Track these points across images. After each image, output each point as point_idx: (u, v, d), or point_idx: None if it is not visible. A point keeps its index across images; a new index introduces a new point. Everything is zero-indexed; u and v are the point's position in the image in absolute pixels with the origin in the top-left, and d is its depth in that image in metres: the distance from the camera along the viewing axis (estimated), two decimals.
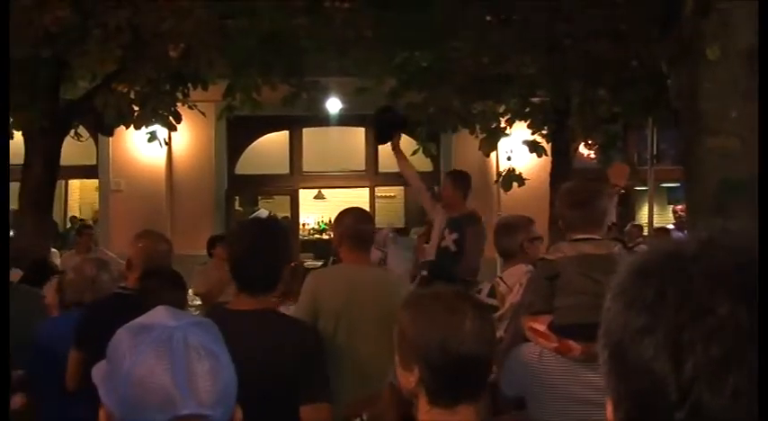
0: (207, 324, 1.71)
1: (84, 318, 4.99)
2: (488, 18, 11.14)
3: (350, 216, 5.20)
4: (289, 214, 17.72)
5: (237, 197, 18.24)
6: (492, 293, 5.26)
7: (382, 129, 8.22)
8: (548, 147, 12.79)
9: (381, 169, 17.60)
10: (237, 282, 3.65)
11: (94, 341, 4.82)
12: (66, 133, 11.09)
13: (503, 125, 12.58)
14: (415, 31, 10.76)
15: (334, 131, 17.03)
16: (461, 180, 8.02)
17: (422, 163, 15.64)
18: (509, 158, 13.29)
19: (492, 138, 12.41)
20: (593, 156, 14.70)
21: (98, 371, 1.72)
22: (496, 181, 13.78)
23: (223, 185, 17.29)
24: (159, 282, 4.71)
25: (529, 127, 12.77)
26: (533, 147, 12.62)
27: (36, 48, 9.06)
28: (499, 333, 4.37)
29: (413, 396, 2.32)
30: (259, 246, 3.63)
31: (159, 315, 1.69)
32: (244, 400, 1.74)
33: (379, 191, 18.32)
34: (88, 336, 4.85)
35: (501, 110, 12.56)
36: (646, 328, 0.99)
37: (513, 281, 5.04)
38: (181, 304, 4.57)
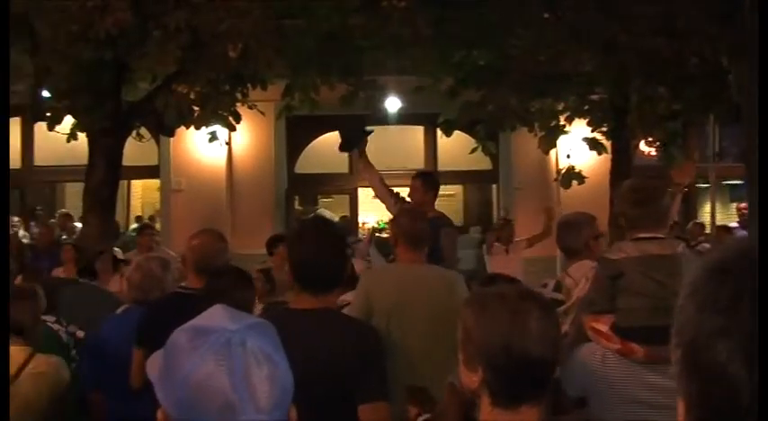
0: (265, 326, 1.69)
1: (146, 317, 5.03)
2: (546, 15, 11.04)
3: (405, 215, 5.20)
4: (348, 213, 17.74)
5: (297, 196, 18.30)
6: (558, 288, 5.19)
7: (349, 136, 8.17)
8: (608, 144, 12.63)
9: (440, 167, 17.54)
10: (298, 282, 3.64)
11: (156, 339, 4.87)
12: (128, 134, 11.21)
13: (562, 123, 12.46)
14: (472, 29, 10.71)
15: (393, 130, 16.98)
16: (431, 181, 7.97)
17: (481, 161, 15.58)
18: (568, 156, 13.16)
19: (551, 135, 12.31)
20: (653, 153, 14.50)
21: (153, 369, 1.70)
22: (556, 179, 13.65)
23: (283, 185, 17.35)
24: (228, 281, 4.71)
25: (588, 124, 12.63)
26: (593, 144, 12.48)
27: (98, 50, 9.17)
28: (565, 327, 4.32)
29: (475, 396, 2.28)
30: (321, 245, 3.62)
31: (218, 316, 1.68)
32: (303, 400, 1.72)
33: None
34: (150, 335, 4.88)
35: (560, 107, 12.44)
36: (720, 331, 0.94)
37: (579, 275, 4.96)
38: (249, 304, 4.57)
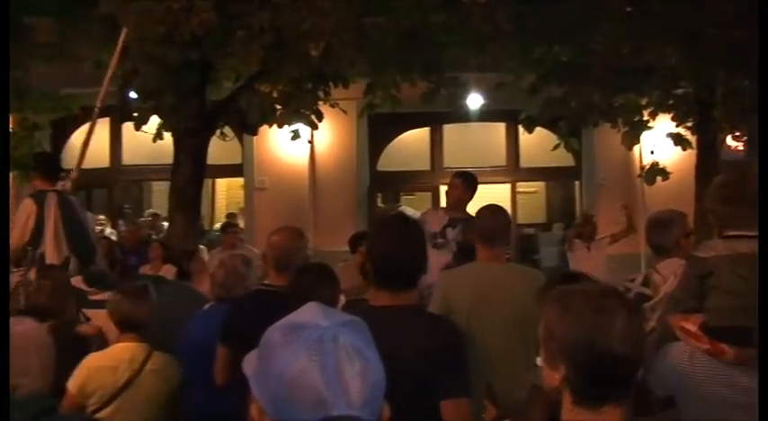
0: (357, 323, 1.71)
1: (230, 314, 5.08)
2: (628, 9, 10.87)
3: (484, 213, 5.15)
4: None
5: (379, 194, 18.31)
6: (646, 283, 5.10)
7: None
8: (693, 139, 12.39)
9: (523, 164, 17.41)
10: (378, 279, 3.63)
11: (240, 336, 4.92)
12: (213, 133, 11.35)
13: (645, 118, 12.26)
14: (553, 24, 10.59)
15: (475, 127, 16.90)
16: (472, 182, 7.99)
17: (564, 158, 15.40)
18: (652, 152, 12.94)
19: (634, 131, 12.11)
20: (741, 148, 14.17)
21: (249, 366, 1.73)
22: (640, 175, 13.44)
23: (365, 182, 17.38)
24: (313, 278, 4.72)
25: (673, 119, 12.40)
26: (678, 139, 12.26)
27: (184, 51, 9.29)
28: (651, 323, 4.24)
29: (557, 394, 2.24)
30: (400, 242, 3.61)
31: (311, 313, 1.70)
32: (385, 397, 1.72)
33: (521, 186, 18.10)
34: (234, 332, 4.93)
35: (643, 102, 12.23)
36: None
37: (668, 272, 4.86)
38: (334, 301, 4.58)
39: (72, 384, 4.84)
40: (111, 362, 4.97)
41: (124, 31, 8.83)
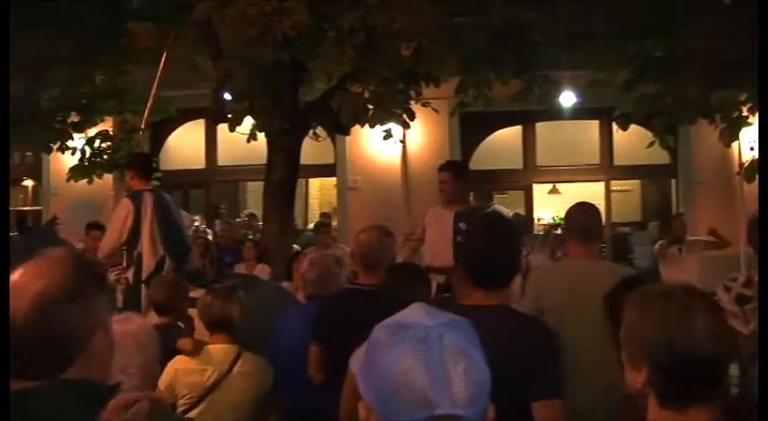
0: (462, 324, 1.74)
1: (321, 313, 5.12)
2: (726, 1, 10.62)
3: (576, 210, 5.09)
4: (523, 209, 17.57)
5: (471, 193, 18.25)
6: (748, 283, 4.98)
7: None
8: None
9: (617, 162, 17.16)
10: (471, 278, 3.62)
11: (331, 335, 4.96)
12: (306, 134, 11.45)
13: (744, 114, 11.95)
14: (646, 19, 10.41)
15: (568, 125, 16.72)
16: (464, 171, 7.90)
17: (659, 156, 15.13)
18: (752, 148, 12.62)
19: (733, 127, 11.81)
20: None
21: (356, 364, 1.76)
22: (738, 172, 13.13)
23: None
24: (405, 277, 4.73)
25: None
26: None
27: (276, 53, 9.39)
28: (751, 325, 4.15)
29: (642, 396, 2.21)
30: (494, 241, 3.59)
31: (416, 313, 1.72)
32: None
33: (615, 184, 17.85)
34: (325, 331, 4.97)
35: (742, 98, 11.94)
36: None
37: None
38: (426, 301, 4.58)
39: (161, 384, 4.91)
40: (199, 363, 5.03)
41: (164, 56, 9.00)
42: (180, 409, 4.92)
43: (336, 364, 4.73)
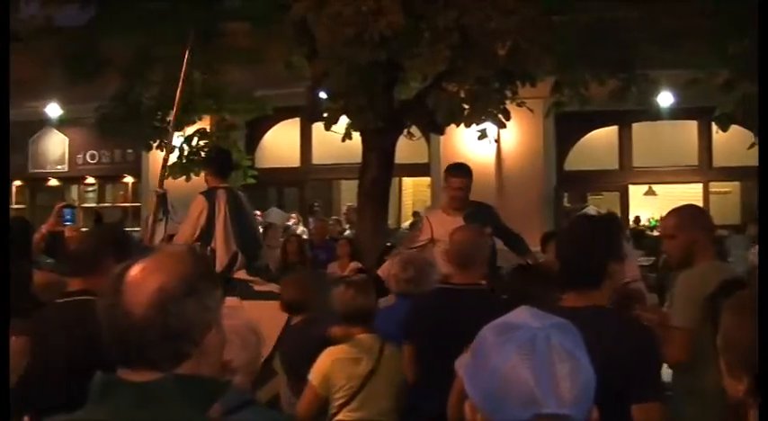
0: (568, 325, 1.77)
1: (414, 312, 5.14)
2: None
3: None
4: (618, 211, 17.34)
5: (566, 193, 18.10)
6: None
7: None
8: None
9: (716, 163, 16.82)
10: (564, 279, 3.60)
11: (424, 333, 4.97)
12: (400, 133, 11.47)
13: None
14: (748, 17, 10.16)
15: (665, 125, 16.45)
16: (470, 173, 7.70)
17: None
18: None
19: None
20: None
21: (462, 364, 1.79)
22: None
23: (552, 182, 17.22)
24: (531, 278, 4.71)
25: None
26: None
27: (372, 52, 9.44)
28: None
29: (743, 406, 2.14)
30: (584, 242, 3.56)
31: (523, 315, 1.76)
32: None
33: (713, 186, 17.50)
34: (418, 329, 4.99)
35: None
36: None
37: None
38: (550, 301, 4.50)
39: (314, 377, 5.02)
40: (351, 353, 5.08)
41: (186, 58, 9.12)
42: (338, 402, 5.02)
43: (429, 363, 4.75)
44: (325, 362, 5.04)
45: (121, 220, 14.76)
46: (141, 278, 1.98)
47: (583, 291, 3.48)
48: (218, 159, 8.76)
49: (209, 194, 7.95)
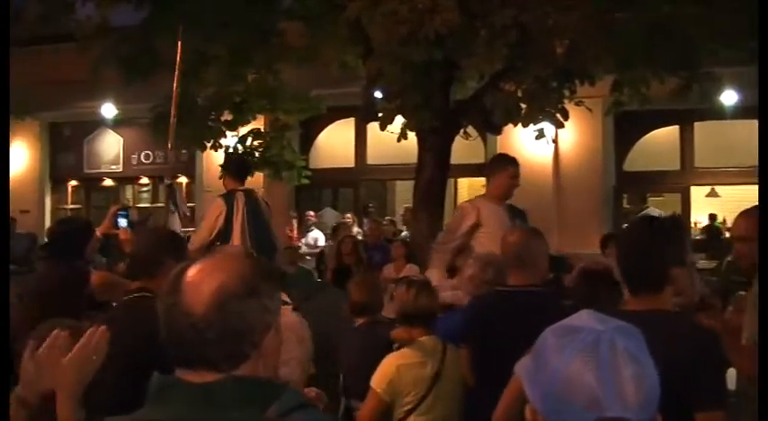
0: (632, 329, 1.77)
1: (468, 315, 5.14)
2: None
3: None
4: (679, 212, 17.15)
5: (625, 194, 17.94)
6: None
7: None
8: None
9: None
10: (625, 282, 3.57)
11: (478, 336, 4.96)
12: (456, 132, 11.46)
13: None
14: None
15: (729, 125, 16.21)
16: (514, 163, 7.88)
17: None
18: None
19: None
20: None
21: (522, 367, 1.81)
22: None
23: (611, 182, 17.07)
24: (596, 282, 4.67)
25: None
26: None
27: (428, 51, 9.44)
28: None
29: None
30: (646, 244, 3.52)
31: (586, 318, 1.77)
32: None
33: None
34: (472, 332, 4.98)
35: None
36: None
37: None
38: (614, 304, 4.45)
39: (378, 384, 4.99)
40: (416, 357, 5.05)
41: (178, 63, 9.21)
42: (405, 408, 5.00)
43: (486, 366, 4.74)
44: (390, 368, 5.00)
45: (147, 218, 14.89)
46: (200, 278, 2.00)
47: (645, 295, 3.45)
48: (236, 163, 9.12)
49: (228, 197, 8.26)
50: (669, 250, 3.50)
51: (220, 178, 13.06)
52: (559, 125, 11.29)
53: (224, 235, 8.03)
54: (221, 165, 9.61)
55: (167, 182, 9.74)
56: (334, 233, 14.79)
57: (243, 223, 8.07)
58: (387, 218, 17.22)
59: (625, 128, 16.52)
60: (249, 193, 8.42)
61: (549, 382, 1.68)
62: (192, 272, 2.02)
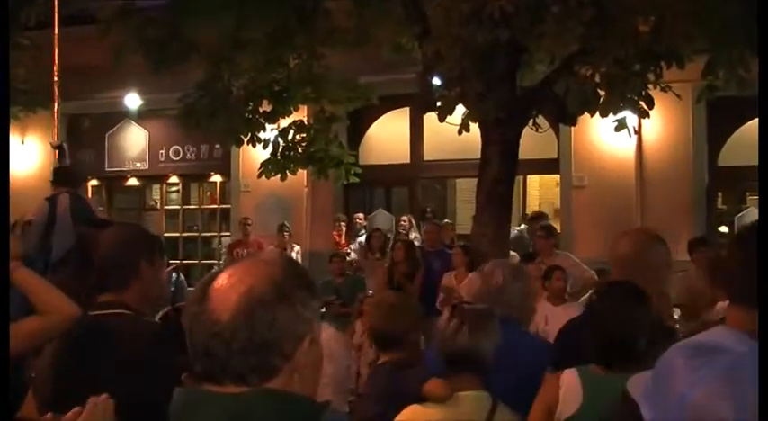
0: None
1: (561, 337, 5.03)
2: None
3: None
4: None
5: (720, 193, 17.74)
6: None
7: None
8: None
9: None
10: (727, 294, 3.48)
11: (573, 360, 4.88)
12: (525, 124, 11.39)
13: None
14: None
15: None
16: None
17: None
18: None
19: None
20: None
21: (638, 387, 1.75)
22: None
23: (703, 179, 16.88)
24: (623, 296, 4.33)
25: None
26: None
27: (492, 32, 9.40)
28: None
29: None
30: (751, 252, 3.37)
31: (723, 335, 1.75)
32: None
33: None
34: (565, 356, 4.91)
35: None
36: None
37: None
38: (647, 324, 4.29)
39: None
40: (444, 416, 4.05)
41: None
42: None
43: None
44: None
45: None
46: (229, 283, 2.04)
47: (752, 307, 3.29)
48: (60, 173, 10.52)
49: (51, 199, 9.73)
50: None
51: (259, 173, 13.20)
52: (643, 114, 11.16)
53: (44, 236, 9.29)
54: (51, 180, 10.50)
55: (55, 143, 11.14)
56: (368, 242, 14.82)
57: (65, 221, 9.25)
58: (445, 220, 17.15)
59: (720, 116, 16.32)
60: (74, 195, 9.73)
61: (674, 406, 1.62)
62: (221, 277, 2.07)
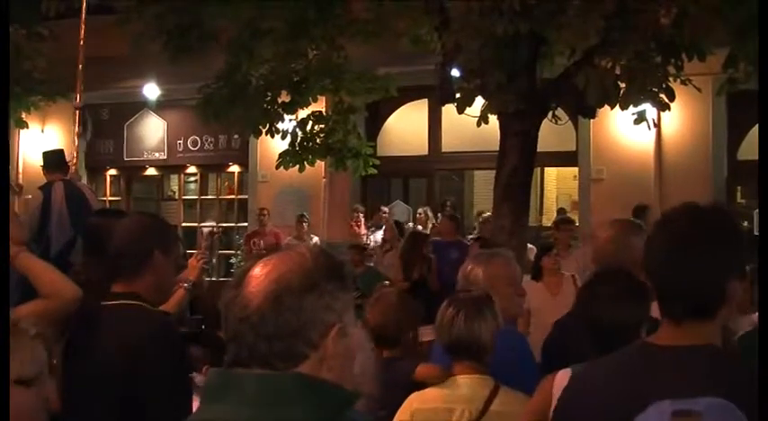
0: (728, 408, 1.76)
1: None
2: None
3: None
4: None
5: (740, 187, 17.65)
6: None
7: None
8: None
9: None
10: (661, 304, 3.39)
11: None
12: (544, 116, 11.35)
13: None
14: None
15: None
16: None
17: None
18: None
19: None
20: None
21: None
22: None
23: (722, 173, 16.81)
24: (615, 291, 4.17)
25: None
26: None
27: (512, 23, 9.37)
28: None
29: None
30: (696, 251, 2.76)
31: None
32: None
33: None
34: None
35: None
36: None
37: None
38: (645, 322, 4.16)
39: None
40: (443, 400, 4.34)
41: None
42: None
43: None
44: (406, 411, 4.39)
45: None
46: (264, 271, 2.12)
47: (685, 322, 2.72)
48: (49, 157, 10.34)
49: (46, 188, 9.43)
50: (728, 259, 2.78)
51: (278, 164, 13.19)
52: (663, 107, 11.10)
53: (40, 227, 9.01)
54: (42, 165, 10.46)
55: (78, 105, 11.43)
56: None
57: (61, 213, 9.09)
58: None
59: (740, 110, 16.20)
60: (68, 183, 9.54)
61: None
62: (258, 266, 2.15)
